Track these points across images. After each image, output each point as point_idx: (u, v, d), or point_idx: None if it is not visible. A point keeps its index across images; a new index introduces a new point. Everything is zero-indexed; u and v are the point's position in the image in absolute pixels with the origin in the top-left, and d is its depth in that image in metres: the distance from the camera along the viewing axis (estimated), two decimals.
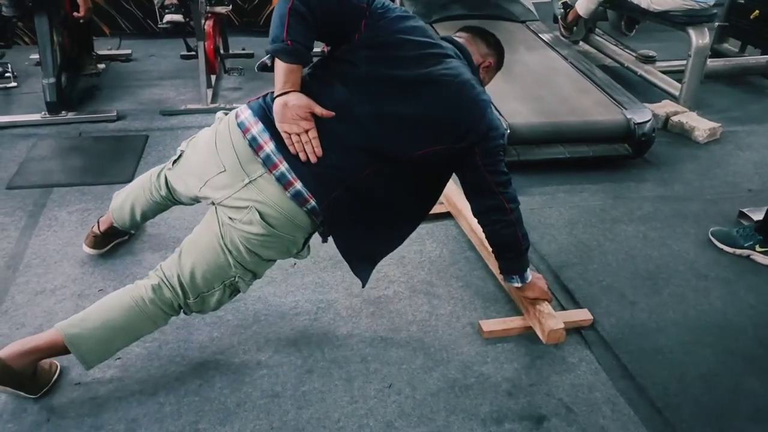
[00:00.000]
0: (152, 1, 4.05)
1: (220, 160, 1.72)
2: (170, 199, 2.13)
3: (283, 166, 1.66)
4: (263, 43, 4.55)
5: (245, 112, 1.74)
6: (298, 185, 1.66)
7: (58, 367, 1.87)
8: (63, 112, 3.51)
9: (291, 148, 1.66)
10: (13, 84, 3.92)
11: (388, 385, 1.89)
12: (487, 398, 1.85)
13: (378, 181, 1.73)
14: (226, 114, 1.83)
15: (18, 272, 2.30)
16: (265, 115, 1.71)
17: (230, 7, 4.11)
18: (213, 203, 1.75)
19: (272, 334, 2.06)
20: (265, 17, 5.07)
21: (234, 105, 3.66)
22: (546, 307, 2.07)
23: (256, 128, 1.69)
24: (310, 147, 1.65)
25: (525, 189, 2.94)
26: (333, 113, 1.67)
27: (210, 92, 3.77)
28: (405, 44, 1.73)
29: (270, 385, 1.87)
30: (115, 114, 3.55)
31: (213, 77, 3.94)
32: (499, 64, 2.07)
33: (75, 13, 3.55)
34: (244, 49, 4.55)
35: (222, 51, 4.17)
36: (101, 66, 4.10)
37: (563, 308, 2.20)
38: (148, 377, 1.88)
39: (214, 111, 3.58)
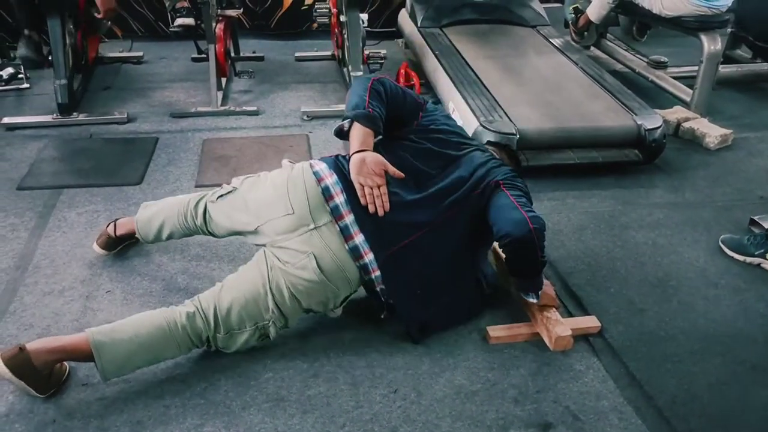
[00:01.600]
0: (164, 4, 4.07)
1: (290, 203, 1.86)
2: (203, 230, 2.19)
3: (349, 219, 1.85)
4: (273, 47, 4.58)
5: (320, 164, 1.94)
6: (358, 239, 1.85)
7: (68, 369, 1.88)
8: (74, 113, 3.53)
9: (362, 200, 1.84)
10: (26, 85, 3.94)
11: (394, 390, 1.88)
12: (493, 405, 1.84)
13: (434, 240, 1.91)
14: (291, 163, 2.01)
15: (27, 273, 2.31)
16: (339, 169, 1.92)
17: (241, 10, 4.13)
18: (263, 244, 1.86)
19: (278, 338, 2.05)
20: (276, 21, 5.09)
21: (244, 108, 3.68)
22: (553, 314, 2.06)
23: (331, 179, 1.89)
24: (380, 201, 1.84)
25: (534, 194, 2.87)
26: (403, 174, 1.90)
27: (220, 95, 3.79)
28: (449, 133, 2.11)
29: (275, 388, 1.87)
30: (125, 116, 3.56)
31: (223, 80, 3.96)
32: None
33: (96, 14, 3.57)
34: (254, 52, 4.56)
35: (233, 54, 4.18)
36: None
37: (571, 315, 2.19)
38: (154, 379, 1.88)
39: (224, 114, 3.64)
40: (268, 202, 1.91)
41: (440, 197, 1.94)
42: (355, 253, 1.85)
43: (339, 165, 1.94)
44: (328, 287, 1.85)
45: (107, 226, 2.39)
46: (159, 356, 1.84)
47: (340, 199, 1.87)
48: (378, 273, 1.87)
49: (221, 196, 2.07)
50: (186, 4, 3.87)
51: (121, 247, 2.42)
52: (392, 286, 1.91)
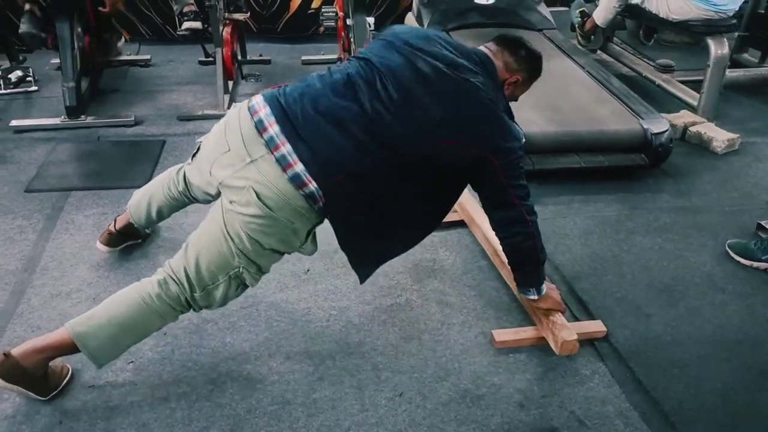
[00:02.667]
0: (172, 7, 4.09)
1: (226, 141, 1.77)
2: (186, 195, 2.16)
3: (285, 149, 1.69)
4: (280, 50, 4.60)
5: (257, 98, 1.80)
6: (298, 168, 1.68)
7: (69, 370, 1.89)
8: (82, 116, 3.55)
9: None
10: (34, 88, 3.97)
11: (399, 393, 1.88)
12: (499, 409, 1.84)
13: (388, 177, 1.76)
14: None
15: (35, 275, 2.32)
16: (275, 101, 1.75)
17: (248, 14, 4.15)
18: (219, 190, 1.79)
19: (284, 341, 2.06)
20: (283, 24, 5.11)
21: None
22: (559, 318, 2.06)
23: (264, 111, 1.74)
24: None
25: (540, 198, 2.92)
26: None
27: (227, 98, 3.80)
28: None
29: (281, 392, 1.87)
30: (133, 119, 3.58)
31: (230, 83, 3.97)
32: (530, 76, 2.03)
33: (100, 8, 3.59)
34: (261, 56, 4.58)
35: (239, 57, 4.20)
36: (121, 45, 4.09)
37: (577, 319, 2.18)
38: (160, 382, 1.89)
39: None
40: (212, 145, 1.83)
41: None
42: (297, 181, 1.68)
43: (277, 97, 1.77)
44: (280, 222, 1.71)
45: (109, 225, 2.42)
46: (145, 331, 1.80)
47: (274, 129, 1.70)
48: (323, 202, 1.72)
49: (194, 155, 2.01)
50: (193, 8, 3.89)
51: (125, 245, 2.44)
52: (337, 218, 1.79)
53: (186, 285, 1.77)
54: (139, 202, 2.30)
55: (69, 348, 1.75)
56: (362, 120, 1.71)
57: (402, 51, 1.80)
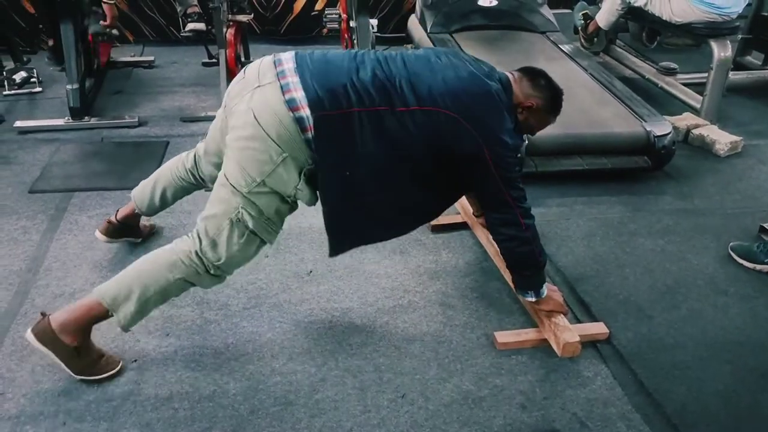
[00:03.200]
0: (175, 9, 4.10)
1: (244, 74, 1.88)
2: (194, 174, 2.25)
3: (292, 79, 1.77)
4: (283, 51, 4.55)
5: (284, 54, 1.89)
6: (297, 94, 1.74)
7: (118, 365, 1.91)
8: (86, 117, 3.56)
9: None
10: (38, 89, 3.99)
11: (401, 395, 1.88)
12: (501, 411, 1.84)
13: (379, 139, 1.78)
14: None
15: (38, 275, 2.33)
16: (298, 54, 1.87)
17: (252, 15, 4.15)
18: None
19: (286, 342, 2.07)
20: (286, 26, 5.12)
21: None
22: (561, 320, 2.06)
23: (286, 56, 1.86)
24: None
25: (543, 200, 2.93)
26: None
27: None
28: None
29: (283, 392, 1.88)
30: (136, 120, 3.59)
31: None
32: (548, 107, 2.04)
33: (102, 22, 3.61)
34: None
35: (243, 59, 4.21)
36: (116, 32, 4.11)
37: (579, 321, 2.19)
38: (164, 382, 1.90)
39: None
40: (232, 89, 1.91)
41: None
42: (292, 104, 1.73)
43: (302, 55, 1.87)
44: (271, 146, 1.73)
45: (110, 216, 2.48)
46: (166, 291, 1.86)
47: (288, 65, 1.81)
48: (312, 133, 1.74)
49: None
50: (197, 10, 3.90)
51: (123, 240, 2.48)
52: (324, 164, 1.79)
53: (195, 236, 1.85)
54: (144, 186, 2.35)
55: (97, 311, 1.82)
56: (371, 69, 1.81)
57: (428, 53, 1.95)
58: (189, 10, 3.93)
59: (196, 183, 2.28)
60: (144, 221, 2.53)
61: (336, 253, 1.98)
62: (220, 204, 1.82)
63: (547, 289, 2.06)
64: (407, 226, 2.09)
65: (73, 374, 1.86)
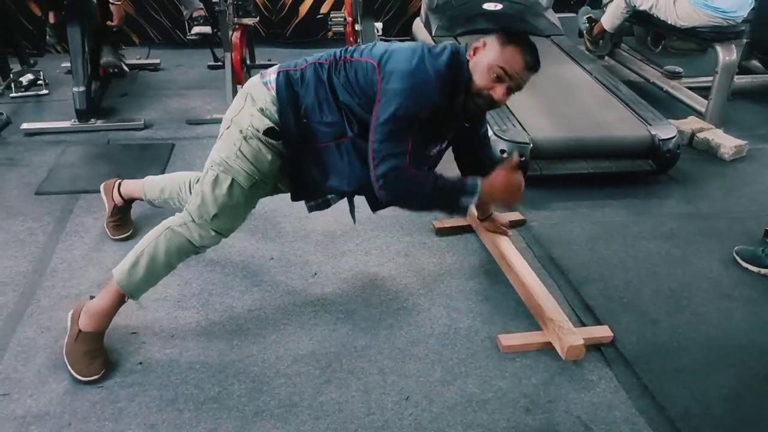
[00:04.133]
0: (181, 12, 4.11)
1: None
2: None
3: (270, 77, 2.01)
4: (289, 55, 4.61)
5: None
6: (271, 76, 2.01)
7: (94, 375, 1.91)
8: (92, 119, 3.58)
9: None
10: (45, 91, 4.00)
11: (406, 397, 1.89)
12: (505, 414, 1.84)
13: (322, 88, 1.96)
14: None
15: (44, 276, 2.34)
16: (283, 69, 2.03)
17: (257, 18, 4.16)
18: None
19: (291, 344, 2.07)
20: (291, 29, 5.13)
21: None
22: (566, 323, 2.06)
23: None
24: None
25: (547, 204, 2.93)
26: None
27: None
28: None
29: (288, 394, 1.88)
30: (142, 122, 3.61)
31: (239, 87, 3.99)
32: (498, 42, 1.94)
33: (108, 22, 3.62)
34: (270, 60, 4.59)
35: (248, 62, 4.22)
36: (126, 69, 4.15)
37: (583, 324, 2.19)
38: (169, 383, 1.90)
39: None
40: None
41: None
42: (264, 77, 2.02)
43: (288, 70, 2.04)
44: (253, 113, 1.97)
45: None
46: (167, 258, 1.96)
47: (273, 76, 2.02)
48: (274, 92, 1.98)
49: None
50: (203, 13, 3.91)
51: (122, 237, 2.56)
52: (284, 116, 1.96)
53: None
54: (154, 186, 2.45)
55: (118, 296, 1.94)
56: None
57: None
58: (195, 14, 3.94)
59: None
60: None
61: (296, 199, 2.16)
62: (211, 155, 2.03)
63: (480, 182, 1.99)
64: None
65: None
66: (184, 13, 4.03)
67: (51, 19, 3.76)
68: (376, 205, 2.10)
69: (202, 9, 3.94)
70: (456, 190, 1.99)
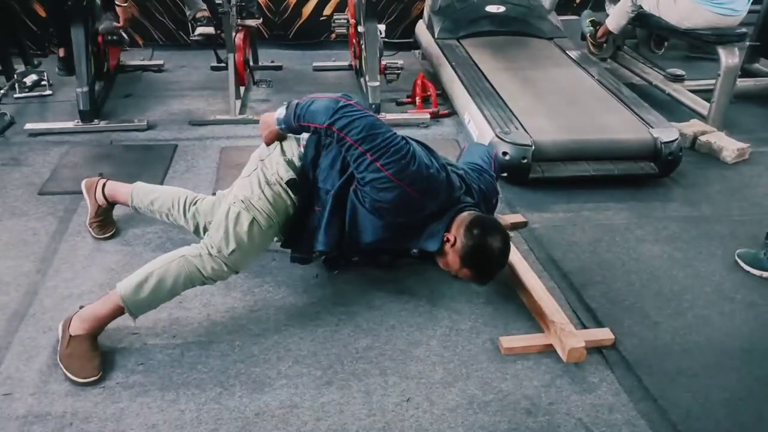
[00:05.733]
0: (185, 13, 4.12)
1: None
2: (180, 223, 2.42)
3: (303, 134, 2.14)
4: (291, 56, 4.62)
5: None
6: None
7: (90, 378, 1.91)
8: (95, 120, 3.58)
9: None
10: (48, 92, 4.01)
11: (407, 399, 1.89)
12: (506, 416, 1.84)
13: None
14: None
15: (47, 276, 2.35)
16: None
17: (261, 20, 4.18)
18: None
19: (292, 345, 2.08)
20: (294, 31, 5.14)
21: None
22: (567, 326, 2.06)
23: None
24: None
25: (549, 206, 2.93)
26: None
27: (239, 103, 3.83)
28: None
29: (289, 395, 1.88)
30: (145, 123, 3.61)
31: (242, 88, 4.00)
32: (462, 253, 1.99)
33: (115, 24, 3.63)
34: (273, 62, 4.61)
35: (251, 63, 4.23)
36: (125, 37, 4.12)
37: (585, 327, 2.19)
38: (170, 384, 1.91)
39: (242, 122, 3.67)
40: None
41: None
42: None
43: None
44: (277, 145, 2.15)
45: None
46: (174, 283, 2.00)
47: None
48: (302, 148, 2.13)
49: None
50: (206, 14, 3.92)
51: (107, 236, 2.58)
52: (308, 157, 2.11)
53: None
54: (145, 194, 2.47)
55: (117, 307, 1.96)
56: None
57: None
58: (198, 15, 3.95)
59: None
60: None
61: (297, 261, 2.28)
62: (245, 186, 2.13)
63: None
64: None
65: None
66: (188, 14, 4.04)
67: (61, 53, 3.80)
68: (331, 266, 2.32)
69: (205, 10, 3.95)
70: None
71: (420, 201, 1.96)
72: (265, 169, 2.12)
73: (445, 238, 2.01)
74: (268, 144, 2.18)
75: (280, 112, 2.07)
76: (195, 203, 2.37)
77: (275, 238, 2.21)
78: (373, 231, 2.05)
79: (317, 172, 2.10)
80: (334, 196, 2.04)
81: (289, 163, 2.12)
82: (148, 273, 1.97)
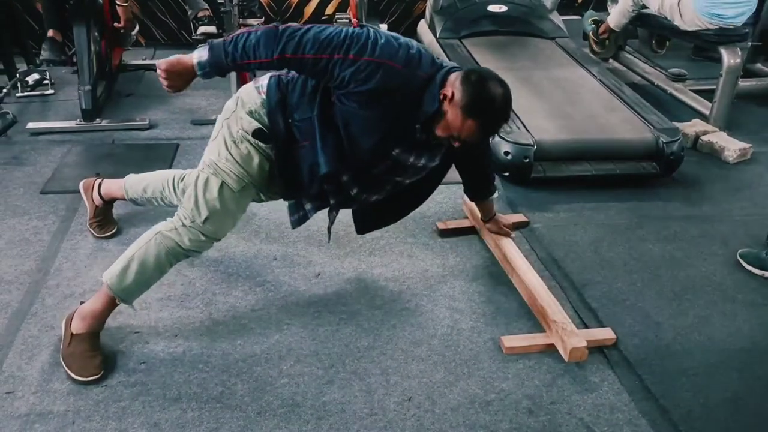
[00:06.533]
0: (187, 12, 4.13)
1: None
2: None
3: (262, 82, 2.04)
4: None
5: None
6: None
7: (92, 376, 1.91)
8: (97, 119, 3.59)
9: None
10: (51, 91, 4.02)
11: (408, 398, 1.89)
12: (507, 415, 1.84)
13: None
14: None
15: (49, 275, 2.35)
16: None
17: (263, 19, 4.18)
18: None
19: (294, 344, 2.08)
20: None
21: None
22: (569, 325, 2.06)
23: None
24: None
25: (550, 205, 2.93)
26: None
27: None
28: None
29: (290, 394, 1.89)
30: (147, 122, 3.62)
31: None
32: (464, 103, 1.79)
33: (116, 24, 3.64)
34: None
35: None
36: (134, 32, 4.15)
37: (586, 326, 2.19)
38: (172, 383, 1.91)
39: None
40: None
41: None
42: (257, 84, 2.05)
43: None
44: (244, 115, 2.01)
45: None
46: (156, 261, 1.97)
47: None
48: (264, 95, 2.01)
49: None
50: (208, 13, 3.93)
51: (107, 235, 2.58)
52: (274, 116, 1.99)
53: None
54: (137, 185, 2.44)
55: (110, 299, 1.96)
56: None
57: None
58: (200, 14, 3.96)
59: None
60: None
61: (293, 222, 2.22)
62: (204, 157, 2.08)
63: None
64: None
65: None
66: (189, 13, 4.05)
67: (50, 33, 3.75)
68: (362, 227, 2.27)
69: (207, 9, 3.96)
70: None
71: (406, 70, 1.81)
72: (231, 127, 2.01)
73: (441, 95, 1.81)
74: (174, 91, 2.05)
75: (201, 55, 1.90)
76: (183, 179, 2.28)
77: (262, 198, 2.17)
78: (371, 129, 1.89)
79: (289, 110, 1.97)
80: (318, 119, 1.92)
81: (252, 113, 1.99)
82: (129, 258, 1.95)
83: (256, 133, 1.99)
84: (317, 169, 1.97)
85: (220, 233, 2.02)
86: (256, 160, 2.01)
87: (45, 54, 3.70)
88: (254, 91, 2.02)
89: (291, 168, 2.04)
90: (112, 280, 1.94)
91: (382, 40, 1.81)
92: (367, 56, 1.78)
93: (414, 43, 1.90)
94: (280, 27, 1.84)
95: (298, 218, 2.20)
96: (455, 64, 1.96)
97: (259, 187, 2.09)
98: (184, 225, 1.97)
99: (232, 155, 1.99)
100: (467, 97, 1.79)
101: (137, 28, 4.25)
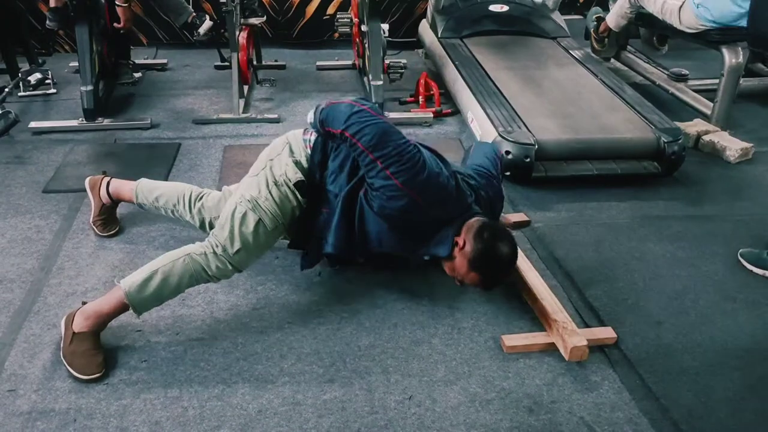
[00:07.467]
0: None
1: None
2: (186, 217, 2.42)
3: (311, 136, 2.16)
4: (295, 55, 4.62)
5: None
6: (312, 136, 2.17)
7: (93, 374, 1.91)
8: (99, 118, 3.59)
9: None
10: (53, 90, 4.02)
11: (409, 396, 1.89)
12: (508, 414, 1.84)
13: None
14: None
15: (51, 274, 2.36)
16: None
17: (264, 19, 4.18)
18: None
19: (295, 342, 2.08)
20: (298, 30, 5.14)
21: (265, 115, 3.72)
22: (569, 324, 2.06)
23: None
24: None
25: (552, 205, 2.93)
26: None
27: (242, 102, 3.83)
28: None
29: (291, 392, 1.89)
30: (149, 122, 3.62)
31: (245, 87, 4.01)
32: (471, 257, 1.98)
33: (115, 24, 3.64)
34: (276, 61, 4.62)
35: (255, 62, 4.24)
36: (137, 75, 4.19)
37: (587, 325, 2.19)
38: (173, 381, 1.91)
39: (245, 121, 3.68)
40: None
41: None
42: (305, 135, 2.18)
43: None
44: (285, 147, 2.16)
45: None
46: (179, 280, 2.01)
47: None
48: (309, 150, 2.14)
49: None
50: (194, 14, 3.96)
51: (110, 233, 2.58)
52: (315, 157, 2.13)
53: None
54: (150, 191, 2.47)
55: (120, 302, 1.96)
56: None
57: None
58: (190, 19, 3.96)
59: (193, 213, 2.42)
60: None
61: (304, 266, 2.30)
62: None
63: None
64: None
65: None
66: (178, 25, 4.06)
67: (52, 2, 3.73)
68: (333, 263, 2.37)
69: (193, 12, 3.97)
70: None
71: (427, 210, 1.97)
72: (274, 169, 2.12)
73: (455, 242, 2.01)
74: None
75: (310, 116, 2.08)
76: (200, 198, 2.38)
77: (281, 238, 2.22)
78: (381, 235, 2.05)
79: (325, 174, 2.11)
80: (344, 198, 2.04)
81: (297, 164, 2.13)
82: (153, 271, 1.97)
83: (298, 185, 2.11)
84: (323, 243, 2.12)
85: (244, 265, 2.10)
86: (292, 204, 2.12)
87: (51, 24, 3.68)
88: (302, 143, 2.16)
89: (307, 224, 2.16)
90: (131, 289, 1.95)
91: (423, 176, 1.91)
92: (401, 182, 1.89)
93: (455, 177, 2.03)
94: (358, 105, 1.96)
95: (309, 264, 2.30)
96: (478, 210, 2.10)
97: (288, 230, 2.19)
98: (214, 252, 2.03)
99: (272, 195, 2.09)
100: (476, 252, 1.97)
101: (135, 76, 4.19)
